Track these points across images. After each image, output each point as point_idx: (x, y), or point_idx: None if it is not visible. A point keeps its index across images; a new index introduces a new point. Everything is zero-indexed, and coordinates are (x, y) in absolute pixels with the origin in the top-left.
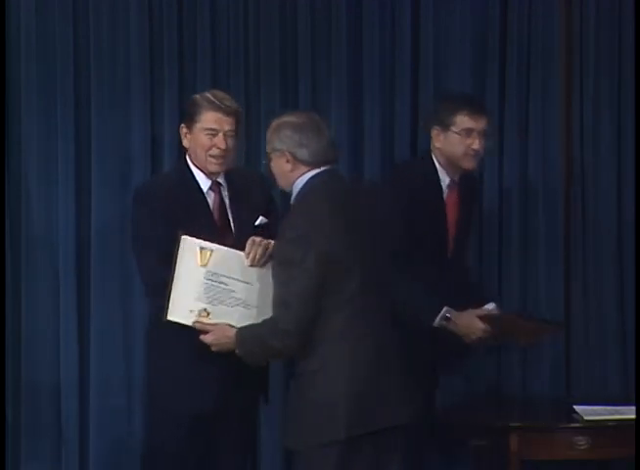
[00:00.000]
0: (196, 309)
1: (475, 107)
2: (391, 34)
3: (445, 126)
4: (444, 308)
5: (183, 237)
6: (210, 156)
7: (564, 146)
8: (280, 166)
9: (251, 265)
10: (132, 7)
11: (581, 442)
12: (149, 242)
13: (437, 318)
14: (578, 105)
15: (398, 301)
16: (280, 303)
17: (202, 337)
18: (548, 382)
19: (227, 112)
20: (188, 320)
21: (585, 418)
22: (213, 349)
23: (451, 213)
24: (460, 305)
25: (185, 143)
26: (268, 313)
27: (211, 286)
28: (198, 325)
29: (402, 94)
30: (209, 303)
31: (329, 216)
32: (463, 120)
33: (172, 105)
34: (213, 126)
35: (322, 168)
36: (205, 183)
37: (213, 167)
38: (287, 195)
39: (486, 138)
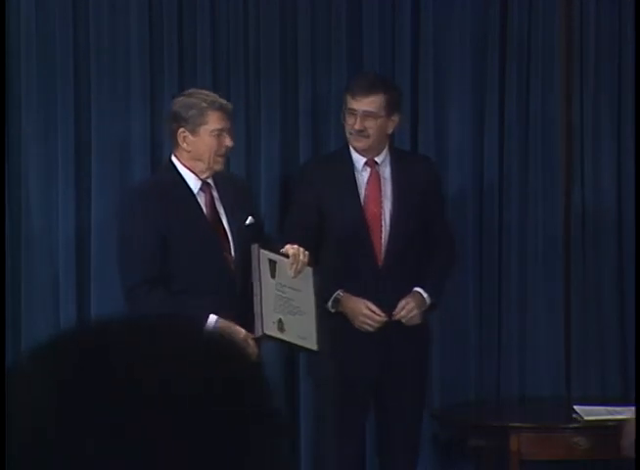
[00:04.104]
0: (275, 321)
1: (357, 88)
2: (391, 34)
3: (344, 106)
4: (337, 291)
5: (260, 250)
6: (218, 155)
7: (564, 146)
8: None
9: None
10: (132, 7)
11: (581, 442)
12: (136, 245)
13: (330, 301)
14: (578, 104)
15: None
16: None
17: None
18: (548, 382)
19: (227, 110)
20: (275, 332)
21: (585, 418)
22: None
23: (374, 195)
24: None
25: (185, 147)
26: (313, 319)
27: (281, 297)
28: None
29: (402, 94)
30: (282, 313)
31: None
32: (348, 101)
33: None
34: (221, 126)
35: None
36: (195, 184)
37: (219, 166)
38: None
39: (378, 118)
